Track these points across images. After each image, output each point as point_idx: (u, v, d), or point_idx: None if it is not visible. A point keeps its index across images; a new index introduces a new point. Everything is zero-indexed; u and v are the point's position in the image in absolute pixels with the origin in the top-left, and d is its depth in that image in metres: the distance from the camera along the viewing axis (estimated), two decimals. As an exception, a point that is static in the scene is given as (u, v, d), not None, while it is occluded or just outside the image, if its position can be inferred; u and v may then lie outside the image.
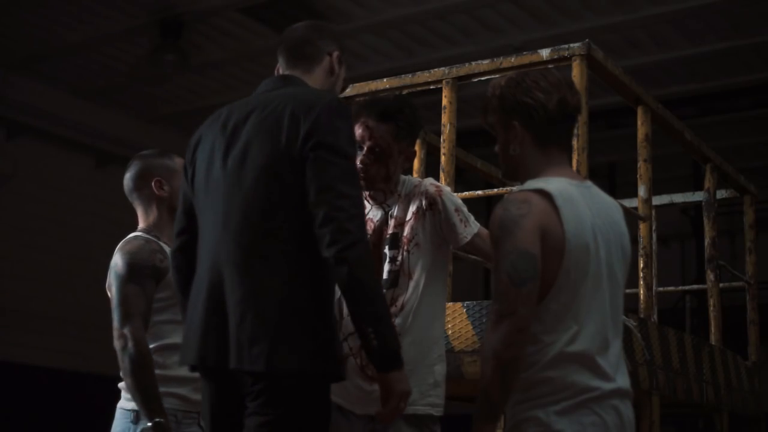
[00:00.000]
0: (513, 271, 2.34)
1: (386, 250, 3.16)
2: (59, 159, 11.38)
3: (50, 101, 10.89)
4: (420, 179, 3.29)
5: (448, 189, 3.27)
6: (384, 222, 3.21)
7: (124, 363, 3.24)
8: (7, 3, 8.94)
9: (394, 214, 3.20)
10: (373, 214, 3.23)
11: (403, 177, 3.28)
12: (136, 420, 3.29)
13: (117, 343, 3.25)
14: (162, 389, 3.25)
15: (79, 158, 11.57)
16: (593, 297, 2.45)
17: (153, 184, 3.50)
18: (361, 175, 3.09)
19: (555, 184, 2.46)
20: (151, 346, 3.29)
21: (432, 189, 3.19)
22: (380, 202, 3.25)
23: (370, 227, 3.19)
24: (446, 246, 3.24)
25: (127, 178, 3.55)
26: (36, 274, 10.91)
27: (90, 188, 11.53)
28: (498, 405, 2.36)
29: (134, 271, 3.32)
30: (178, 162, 3.51)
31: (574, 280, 2.41)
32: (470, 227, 3.16)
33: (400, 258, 3.13)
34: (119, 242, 3.46)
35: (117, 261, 3.37)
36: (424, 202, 3.16)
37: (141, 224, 3.54)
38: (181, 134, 12.35)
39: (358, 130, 3.14)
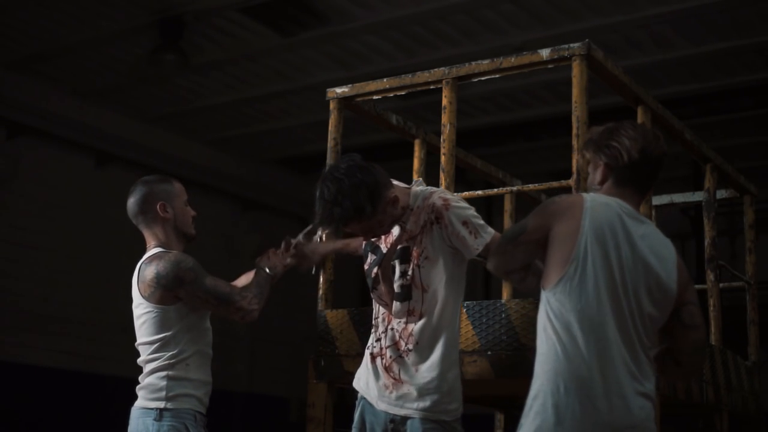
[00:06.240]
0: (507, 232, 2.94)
1: (396, 263, 3.21)
2: (59, 159, 11.37)
3: (50, 101, 10.88)
4: (432, 190, 3.29)
5: (456, 200, 3.24)
6: (401, 236, 3.26)
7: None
8: (8, 3, 8.94)
9: (407, 227, 3.23)
10: (394, 229, 3.28)
11: (416, 189, 3.30)
12: (159, 417, 3.45)
13: (236, 316, 3.53)
14: (185, 390, 3.51)
15: (79, 158, 11.56)
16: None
17: (158, 207, 3.66)
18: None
19: (601, 197, 2.80)
20: (187, 352, 3.53)
21: (439, 203, 3.19)
22: (398, 221, 3.29)
23: (388, 242, 3.27)
24: (460, 254, 3.23)
25: (132, 202, 3.68)
26: (36, 274, 10.90)
27: (90, 188, 11.52)
28: None
29: (193, 269, 3.52)
30: (176, 186, 3.72)
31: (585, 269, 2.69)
32: (481, 237, 3.14)
33: (410, 272, 3.18)
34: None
35: (162, 269, 3.49)
36: (431, 216, 3.19)
37: (153, 242, 3.67)
38: (181, 134, 12.35)
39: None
